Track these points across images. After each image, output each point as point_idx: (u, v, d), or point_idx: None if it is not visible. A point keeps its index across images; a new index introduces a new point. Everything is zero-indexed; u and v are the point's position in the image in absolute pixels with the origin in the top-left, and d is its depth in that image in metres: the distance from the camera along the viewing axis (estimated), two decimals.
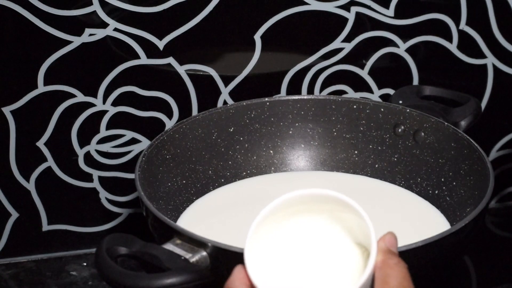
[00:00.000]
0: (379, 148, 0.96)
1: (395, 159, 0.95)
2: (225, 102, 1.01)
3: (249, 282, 0.61)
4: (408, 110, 0.94)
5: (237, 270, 0.61)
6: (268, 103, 0.97)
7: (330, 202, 0.64)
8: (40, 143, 0.99)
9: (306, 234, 0.65)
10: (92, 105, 0.99)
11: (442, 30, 1.03)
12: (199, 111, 1.01)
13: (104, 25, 0.95)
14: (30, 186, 1.00)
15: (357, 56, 1.03)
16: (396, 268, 0.61)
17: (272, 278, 0.63)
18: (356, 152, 0.97)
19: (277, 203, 0.63)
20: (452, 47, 1.04)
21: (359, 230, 0.64)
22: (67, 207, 1.03)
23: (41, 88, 0.96)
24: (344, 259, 0.65)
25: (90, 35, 0.95)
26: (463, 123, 0.95)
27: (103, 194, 1.03)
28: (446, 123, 0.91)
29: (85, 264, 1.02)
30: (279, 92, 1.03)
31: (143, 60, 0.98)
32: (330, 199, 0.63)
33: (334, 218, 0.65)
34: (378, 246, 0.62)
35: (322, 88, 1.03)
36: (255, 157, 0.97)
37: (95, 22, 0.95)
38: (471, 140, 0.88)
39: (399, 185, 0.95)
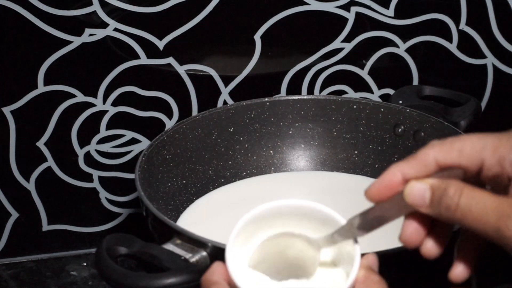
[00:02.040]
0: (379, 148, 0.96)
1: (395, 159, 0.95)
2: (225, 102, 1.01)
3: (227, 276, 0.61)
4: (408, 110, 0.94)
5: (216, 264, 0.61)
6: (268, 103, 0.97)
7: (314, 214, 0.63)
8: (40, 143, 0.99)
9: (288, 241, 0.65)
10: (92, 105, 0.99)
11: (442, 30, 1.03)
12: (199, 111, 1.01)
13: (104, 25, 0.95)
14: (30, 186, 1.00)
15: (357, 56, 1.03)
16: (378, 285, 0.60)
17: (250, 279, 0.63)
18: (356, 152, 0.96)
19: (263, 209, 0.63)
20: (452, 47, 1.04)
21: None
22: (67, 207, 1.03)
23: (41, 88, 0.96)
24: (324, 269, 0.64)
25: (90, 35, 0.95)
26: (463, 123, 0.95)
27: (103, 194, 1.03)
28: (446, 123, 0.91)
29: (85, 264, 1.02)
30: (279, 92, 1.03)
31: (143, 60, 0.98)
32: (314, 211, 0.63)
33: (320, 232, 0.65)
34: (361, 262, 0.61)
35: (322, 88, 1.03)
36: (255, 157, 0.97)
37: (95, 22, 0.95)
38: None
39: None
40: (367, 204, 0.92)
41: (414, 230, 0.58)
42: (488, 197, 0.53)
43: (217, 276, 0.60)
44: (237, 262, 0.62)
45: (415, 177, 0.56)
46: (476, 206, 0.53)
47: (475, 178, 0.56)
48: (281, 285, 0.63)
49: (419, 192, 0.56)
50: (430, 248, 0.57)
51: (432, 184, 0.55)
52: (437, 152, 0.56)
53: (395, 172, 0.56)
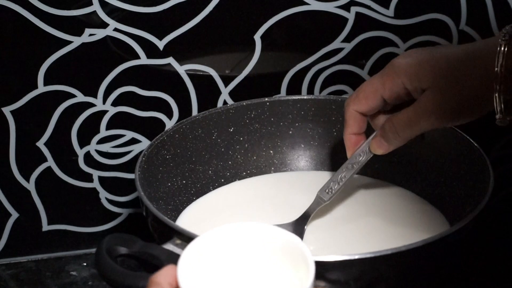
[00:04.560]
0: None
1: (395, 159, 0.95)
2: (225, 102, 1.01)
3: (175, 282, 0.60)
4: None
5: (166, 267, 0.61)
6: (268, 103, 0.97)
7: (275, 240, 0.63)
8: (40, 143, 0.99)
9: (243, 256, 0.65)
10: (92, 105, 0.99)
11: (442, 30, 1.03)
12: (199, 111, 1.01)
13: (104, 25, 0.95)
14: (30, 186, 1.00)
15: (357, 56, 1.03)
16: None
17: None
18: None
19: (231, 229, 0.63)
20: None
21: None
22: (67, 207, 1.03)
23: (41, 88, 0.97)
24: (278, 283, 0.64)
25: (90, 35, 0.95)
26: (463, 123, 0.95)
27: (103, 194, 1.03)
28: None
29: (85, 264, 1.02)
30: (279, 92, 1.03)
31: (143, 60, 0.98)
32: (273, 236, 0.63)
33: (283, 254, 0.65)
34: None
35: (322, 88, 1.03)
36: (255, 157, 0.97)
37: (95, 22, 0.95)
38: (471, 140, 0.88)
39: (399, 185, 0.95)
40: (366, 203, 0.92)
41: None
42: (404, 111, 0.80)
43: (162, 278, 0.61)
44: (191, 271, 0.61)
45: (358, 131, 0.84)
46: (403, 120, 0.79)
47: (388, 104, 0.82)
48: None
49: (377, 142, 0.83)
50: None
51: (381, 133, 0.83)
52: (354, 106, 0.83)
53: (350, 137, 0.85)
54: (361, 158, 0.86)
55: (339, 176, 0.87)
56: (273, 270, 0.64)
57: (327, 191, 0.87)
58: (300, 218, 0.87)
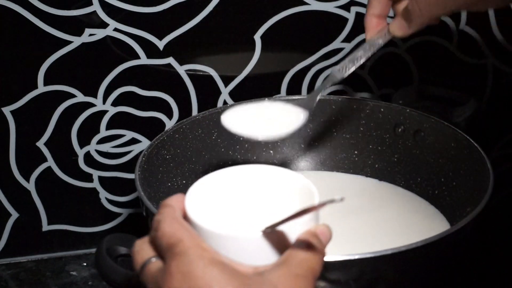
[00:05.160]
0: (379, 148, 0.96)
1: (395, 159, 0.95)
2: (225, 102, 1.01)
3: (183, 207, 0.63)
4: (408, 110, 0.94)
5: (178, 194, 0.63)
6: None
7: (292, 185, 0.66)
8: (40, 143, 0.99)
9: (251, 193, 0.67)
10: (92, 105, 0.99)
11: (442, 30, 1.03)
12: (199, 111, 1.01)
13: (104, 25, 0.95)
14: (30, 186, 1.00)
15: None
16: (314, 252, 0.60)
17: (208, 219, 0.64)
18: (356, 152, 0.96)
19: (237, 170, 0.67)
20: (452, 47, 1.04)
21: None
22: (67, 207, 1.03)
23: (41, 88, 0.97)
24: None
25: (90, 35, 0.95)
26: (463, 123, 0.95)
27: (103, 194, 1.03)
28: (446, 123, 0.91)
29: (85, 264, 1.02)
30: (279, 92, 1.03)
31: (143, 60, 0.98)
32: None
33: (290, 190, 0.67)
34: (307, 231, 0.62)
35: None
36: (255, 157, 0.97)
37: (95, 22, 0.95)
38: (471, 140, 0.88)
39: (399, 185, 0.95)
40: (366, 204, 0.92)
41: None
42: None
43: (173, 201, 0.63)
44: (199, 201, 0.64)
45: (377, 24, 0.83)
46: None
47: None
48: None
49: (397, 23, 0.80)
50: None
51: (403, 13, 0.79)
52: (373, 10, 0.82)
53: (371, 18, 0.82)
54: (379, 40, 0.83)
55: (356, 55, 0.83)
56: (280, 206, 0.66)
57: (340, 70, 0.84)
58: (312, 93, 0.84)
